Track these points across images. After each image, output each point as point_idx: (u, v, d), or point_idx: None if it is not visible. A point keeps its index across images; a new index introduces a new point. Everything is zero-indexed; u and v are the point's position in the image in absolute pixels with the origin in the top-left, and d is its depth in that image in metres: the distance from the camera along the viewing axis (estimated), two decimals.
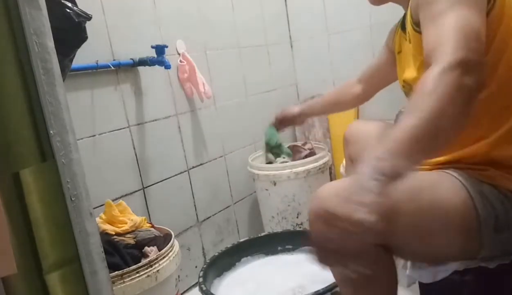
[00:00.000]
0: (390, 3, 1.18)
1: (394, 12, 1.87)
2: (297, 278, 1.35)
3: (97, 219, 1.13)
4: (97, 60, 1.24)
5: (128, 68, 1.36)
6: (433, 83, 0.59)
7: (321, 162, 1.64)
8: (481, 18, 0.67)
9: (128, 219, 1.16)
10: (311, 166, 1.61)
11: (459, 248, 0.81)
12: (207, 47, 1.68)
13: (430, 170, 0.89)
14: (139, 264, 0.96)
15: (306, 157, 1.77)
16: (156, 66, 1.37)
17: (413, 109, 0.60)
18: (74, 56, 0.93)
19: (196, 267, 1.62)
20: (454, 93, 0.58)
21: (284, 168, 1.61)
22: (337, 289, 1.13)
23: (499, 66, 0.77)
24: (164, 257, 1.01)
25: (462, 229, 0.80)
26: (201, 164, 1.65)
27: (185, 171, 1.56)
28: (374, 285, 0.86)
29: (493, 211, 0.77)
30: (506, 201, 0.78)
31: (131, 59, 1.34)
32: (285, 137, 2.12)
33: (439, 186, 0.82)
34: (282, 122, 1.51)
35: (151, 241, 1.09)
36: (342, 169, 1.66)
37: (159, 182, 1.47)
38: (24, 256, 0.45)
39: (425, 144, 0.59)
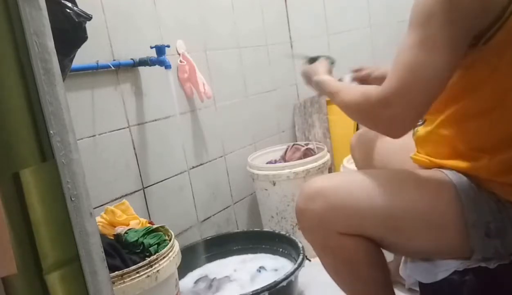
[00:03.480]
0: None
1: (394, 13, 1.88)
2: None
3: (98, 220, 1.13)
4: (97, 60, 1.24)
5: (128, 68, 1.36)
6: (357, 93, 0.85)
7: (320, 162, 1.64)
8: (443, 61, 0.74)
9: (130, 220, 1.16)
10: (310, 165, 1.61)
11: (447, 247, 0.82)
12: (207, 47, 1.68)
13: (430, 167, 0.89)
14: (139, 264, 0.96)
15: (304, 155, 1.77)
16: (156, 66, 1.37)
17: (346, 87, 0.96)
18: (74, 56, 0.92)
19: None
20: (357, 107, 0.86)
21: (283, 167, 1.62)
22: (278, 287, 1.18)
23: (508, 91, 0.76)
24: (164, 257, 1.01)
25: (445, 229, 0.81)
26: (201, 164, 1.65)
27: (185, 171, 1.56)
28: (368, 282, 0.88)
29: (485, 218, 0.78)
30: (504, 211, 0.78)
31: (131, 59, 1.34)
32: (285, 138, 2.12)
33: (427, 184, 0.83)
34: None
35: None
36: (342, 169, 1.66)
37: (159, 182, 1.47)
38: (24, 256, 0.45)
39: (328, 94, 1.01)
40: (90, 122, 1.26)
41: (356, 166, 1.28)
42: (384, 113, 0.77)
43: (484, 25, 0.73)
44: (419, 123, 0.96)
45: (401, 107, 0.75)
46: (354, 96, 0.85)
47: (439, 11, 0.72)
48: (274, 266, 1.49)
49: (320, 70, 1.09)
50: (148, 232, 1.11)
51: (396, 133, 0.80)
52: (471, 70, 0.77)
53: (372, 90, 0.80)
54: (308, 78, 1.12)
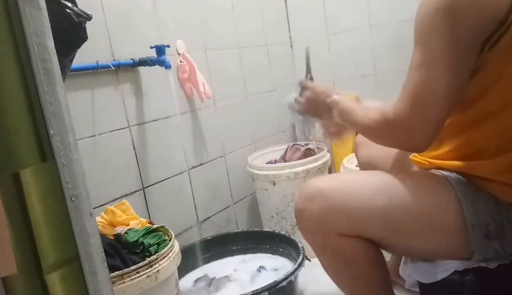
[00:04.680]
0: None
1: (394, 13, 1.87)
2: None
3: (98, 220, 1.13)
4: (97, 60, 1.24)
5: (128, 68, 1.36)
6: (373, 114, 0.86)
7: (320, 162, 1.64)
8: (449, 76, 0.74)
9: (130, 220, 1.16)
10: (310, 165, 1.61)
11: (447, 248, 0.82)
12: (207, 47, 1.67)
13: (429, 169, 0.89)
14: (139, 264, 0.96)
15: (304, 154, 1.77)
16: (156, 66, 1.37)
17: (362, 110, 0.92)
18: (74, 56, 0.92)
19: None
20: (368, 127, 0.88)
21: (283, 167, 1.62)
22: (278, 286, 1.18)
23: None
24: (164, 257, 1.01)
25: (444, 230, 0.81)
26: (201, 164, 1.65)
27: (185, 171, 1.56)
28: (368, 283, 0.88)
29: (485, 219, 0.78)
30: (504, 212, 0.78)
31: (131, 59, 1.34)
32: (285, 138, 2.12)
33: (426, 185, 0.83)
34: None
35: None
36: (342, 169, 1.66)
37: (159, 182, 1.47)
38: (24, 256, 0.45)
39: (345, 119, 0.98)
40: (90, 122, 1.26)
41: (359, 165, 1.28)
42: (403, 133, 0.80)
43: (488, 32, 0.72)
44: None
45: (418, 125, 0.77)
46: (373, 117, 0.85)
47: (439, 26, 0.73)
48: (274, 266, 1.49)
49: (329, 92, 1.03)
50: (148, 232, 1.11)
51: (418, 149, 0.83)
52: (478, 75, 0.77)
53: (389, 110, 0.81)
54: (316, 104, 1.07)
